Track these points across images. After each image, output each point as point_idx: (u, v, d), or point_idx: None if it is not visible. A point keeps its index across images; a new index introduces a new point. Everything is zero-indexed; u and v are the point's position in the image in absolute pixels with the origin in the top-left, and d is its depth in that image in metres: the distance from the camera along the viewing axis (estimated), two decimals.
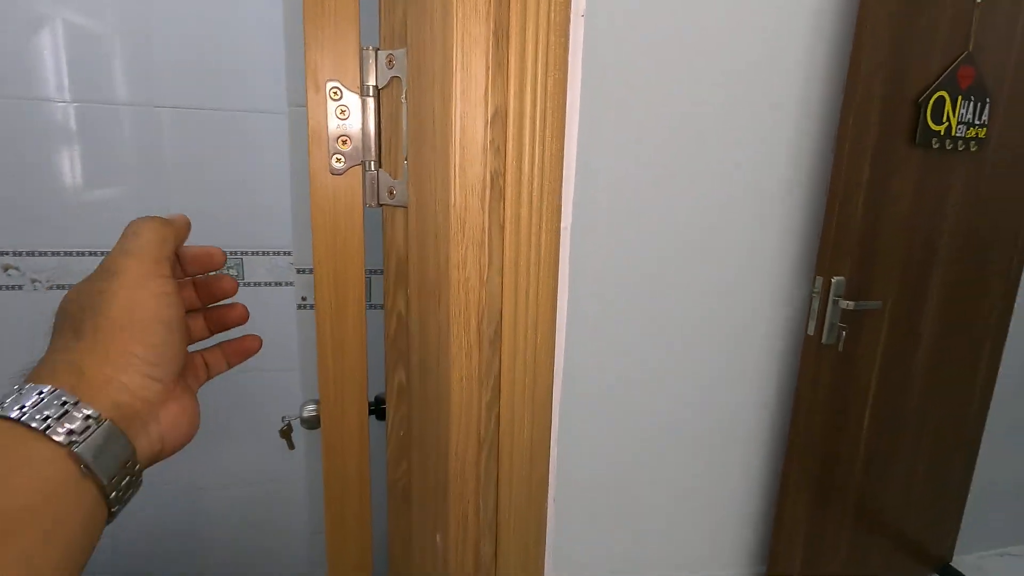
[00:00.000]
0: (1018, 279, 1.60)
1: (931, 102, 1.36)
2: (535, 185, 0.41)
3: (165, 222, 0.37)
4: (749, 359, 1.59)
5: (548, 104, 0.41)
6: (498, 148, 0.39)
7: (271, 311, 1.78)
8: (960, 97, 1.38)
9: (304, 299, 1.74)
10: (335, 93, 0.45)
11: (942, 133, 1.39)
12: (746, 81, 1.42)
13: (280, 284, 1.79)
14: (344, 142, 0.46)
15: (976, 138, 1.42)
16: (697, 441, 1.60)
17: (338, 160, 0.46)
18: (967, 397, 1.64)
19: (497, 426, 0.45)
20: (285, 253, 1.77)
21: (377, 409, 0.63)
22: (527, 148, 0.41)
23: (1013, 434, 1.77)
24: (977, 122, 1.41)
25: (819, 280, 1.44)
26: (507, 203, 0.41)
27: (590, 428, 1.58)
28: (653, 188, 1.42)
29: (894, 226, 1.43)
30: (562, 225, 0.44)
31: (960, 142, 1.41)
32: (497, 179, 0.40)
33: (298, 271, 1.75)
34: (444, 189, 0.40)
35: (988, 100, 1.40)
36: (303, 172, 1.37)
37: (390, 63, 0.44)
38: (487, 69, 0.38)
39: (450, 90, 0.38)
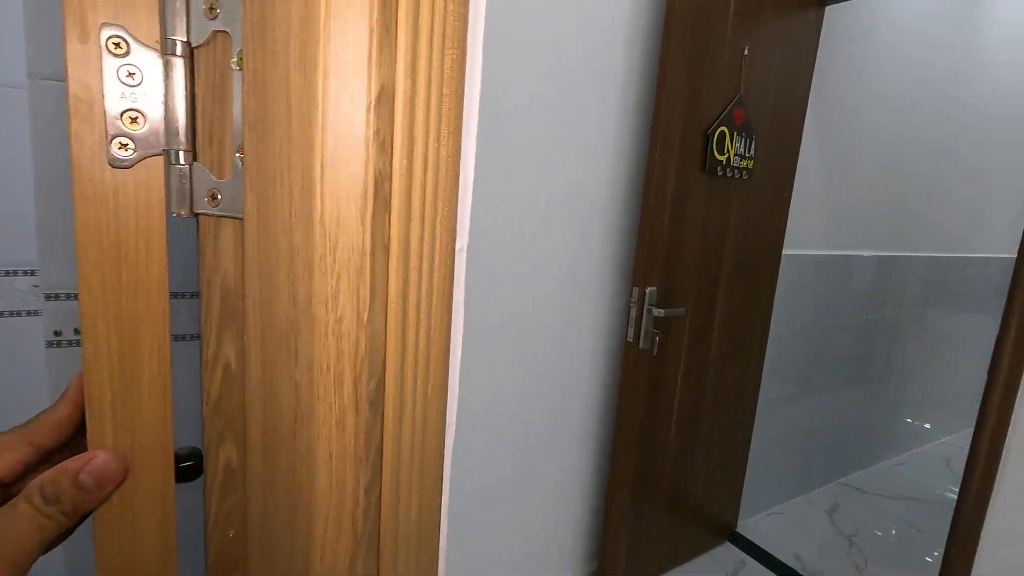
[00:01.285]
0: (775, 284, 1.92)
1: (716, 135, 1.56)
2: (429, 192, 0.31)
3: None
4: (582, 364, 1.64)
5: (445, 88, 0.31)
6: (384, 141, 0.28)
7: (5, 349, 1.32)
8: (735, 133, 1.61)
9: (58, 333, 1.33)
10: (117, 45, 0.29)
11: (724, 162, 1.60)
12: (573, 115, 1.48)
13: (19, 314, 1.35)
14: (133, 120, 0.30)
15: (747, 168, 1.66)
16: (546, 454, 1.61)
17: (123, 146, 0.30)
18: (743, 387, 1.92)
19: (378, 514, 0.33)
20: (27, 273, 1.34)
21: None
22: (420, 143, 0.30)
23: (770, 414, 2.13)
24: (747, 155, 1.66)
25: (636, 291, 1.55)
26: (394, 216, 0.30)
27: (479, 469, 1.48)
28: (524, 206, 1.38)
29: (692, 241, 1.60)
30: (458, 245, 0.34)
31: (736, 170, 1.64)
32: (383, 183, 0.29)
33: (47, 296, 1.33)
34: (306, 196, 0.28)
35: (754, 137, 1.66)
36: (58, 163, 1.03)
37: (212, 10, 0.30)
38: (371, 31, 0.27)
39: (316, 55, 0.26)
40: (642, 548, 1.75)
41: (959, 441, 2.98)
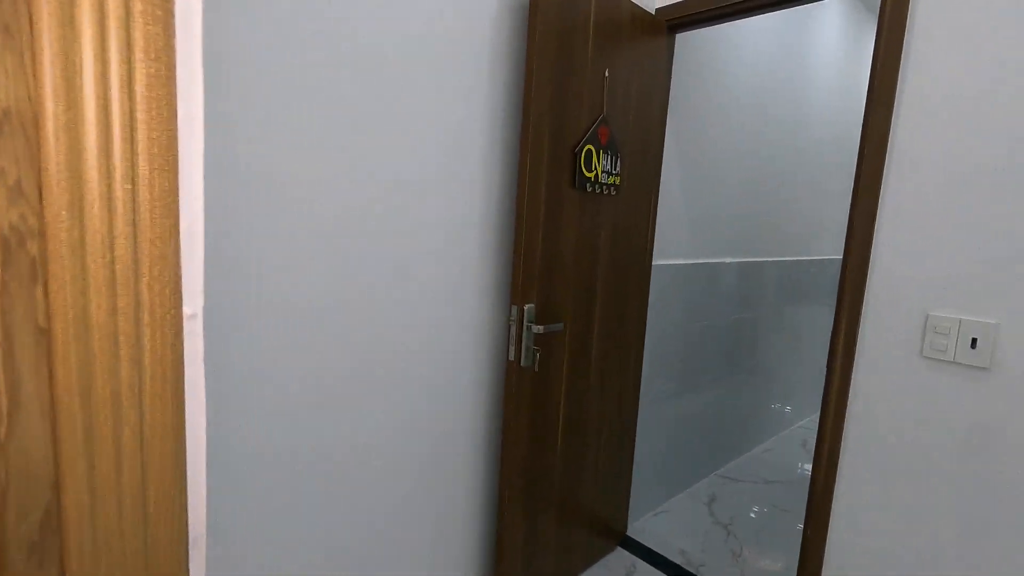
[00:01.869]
0: (647, 294, 2.00)
1: (583, 153, 1.59)
2: (123, 248, 0.23)
3: None
4: (465, 389, 1.58)
5: (143, 112, 0.23)
6: (17, 186, 0.20)
7: None
8: (602, 151, 1.65)
9: None
10: None
11: (593, 179, 1.63)
12: (448, 143, 1.42)
13: None
14: None
15: (614, 184, 1.71)
16: (423, 471, 1.52)
17: None
18: (625, 393, 1.97)
19: None
20: None
21: None
22: (98, 185, 0.22)
23: (652, 417, 2.20)
24: (614, 171, 1.70)
25: (515, 308, 1.52)
26: (55, 286, 0.22)
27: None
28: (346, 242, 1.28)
29: (567, 257, 1.61)
30: (187, 311, 0.26)
31: (604, 187, 1.68)
32: (24, 241, 0.21)
33: None
34: None
35: (619, 154, 1.71)
36: None
37: None
38: None
39: None
40: (536, 564, 1.71)
41: (813, 424, 3.30)
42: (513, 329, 1.51)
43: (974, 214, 1.25)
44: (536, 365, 1.54)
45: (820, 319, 3.26)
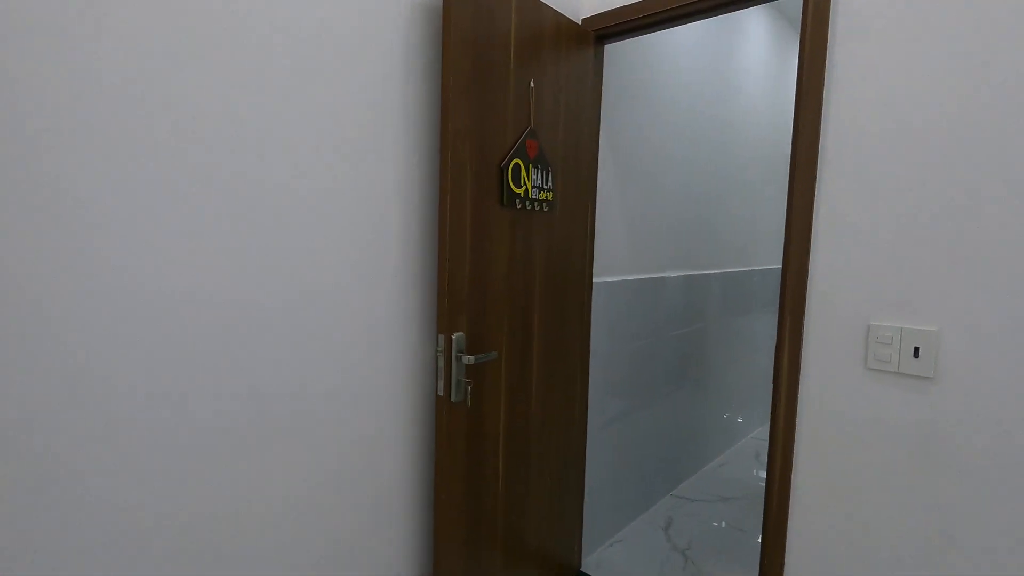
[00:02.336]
0: (589, 313, 1.90)
1: (510, 168, 1.48)
2: None
3: None
4: (391, 431, 1.41)
5: None
6: None
7: None
8: (531, 165, 1.55)
9: None
10: None
11: (522, 195, 1.53)
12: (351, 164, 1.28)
13: None
14: None
15: (546, 200, 1.61)
16: (354, 513, 1.33)
17: None
18: (571, 418, 1.85)
19: None
20: None
21: None
22: None
23: (602, 441, 2.10)
24: (546, 186, 1.60)
25: (441, 338, 1.38)
26: None
27: None
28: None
29: (498, 278, 1.49)
30: None
31: (536, 203, 1.58)
32: None
33: None
34: None
35: (550, 168, 1.62)
36: None
37: None
38: None
39: None
40: None
41: (766, 433, 3.28)
42: (441, 361, 1.37)
43: (908, 220, 1.21)
44: (468, 399, 1.40)
45: (765, 327, 3.26)
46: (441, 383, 1.38)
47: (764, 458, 2.95)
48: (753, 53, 2.88)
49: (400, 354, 1.41)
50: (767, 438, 3.17)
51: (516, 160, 1.49)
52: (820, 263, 1.33)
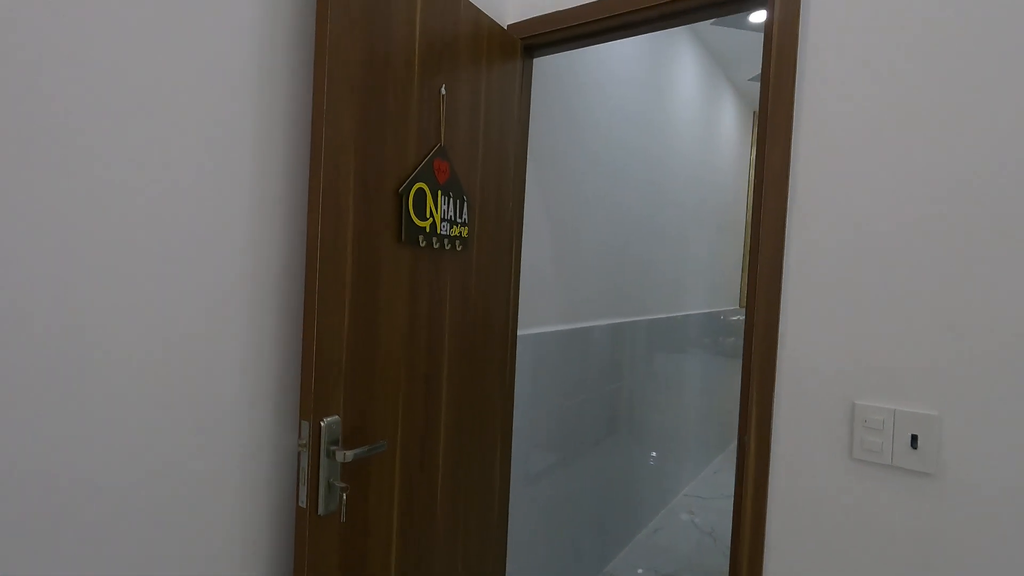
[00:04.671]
0: (512, 374, 1.55)
1: (412, 194, 1.13)
2: None
3: None
4: (232, 554, 0.94)
5: None
6: None
7: None
8: (440, 192, 1.20)
9: None
10: None
11: (427, 230, 1.17)
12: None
13: None
14: None
15: (460, 236, 1.26)
16: None
17: None
18: (487, 513, 1.47)
19: None
20: None
21: None
22: None
23: (525, 515, 1.73)
24: (459, 220, 1.26)
25: (306, 426, 0.97)
26: None
27: None
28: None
29: (392, 337, 1.11)
30: None
31: (447, 240, 1.22)
32: None
33: None
34: None
35: (465, 197, 1.28)
36: None
37: None
38: None
39: None
40: None
41: (697, 489, 3.06)
42: (304, 459, 0.96)
43: (902, 276, 0.98)
44: (343, 511, 0.99)
45: (694, 366, 3.08)
46: (304, 490, 0.96)
47: (699, 520, 2.70)
48: (682, 88, 2.76)
49: (247, 447, 0.98)
50: (699, 495, 2.94)
51: (420, 184, 1.14)
52: (791, 325, 1.07)
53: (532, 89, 1.63)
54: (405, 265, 1.12)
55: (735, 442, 3.93)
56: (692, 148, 2.90)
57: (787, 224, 1.07)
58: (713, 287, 3.33)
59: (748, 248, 3.95)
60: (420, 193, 1.13)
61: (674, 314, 2.82)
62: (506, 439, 1.53)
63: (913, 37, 0.97)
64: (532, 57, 1.53)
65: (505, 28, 1.46)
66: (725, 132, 3.35)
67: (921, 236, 0.96)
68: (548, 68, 1.71)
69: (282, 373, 1.04)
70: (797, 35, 1.06)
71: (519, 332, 1.64)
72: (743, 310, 3.93)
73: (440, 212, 1.19)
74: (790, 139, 1.06)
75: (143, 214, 0.82)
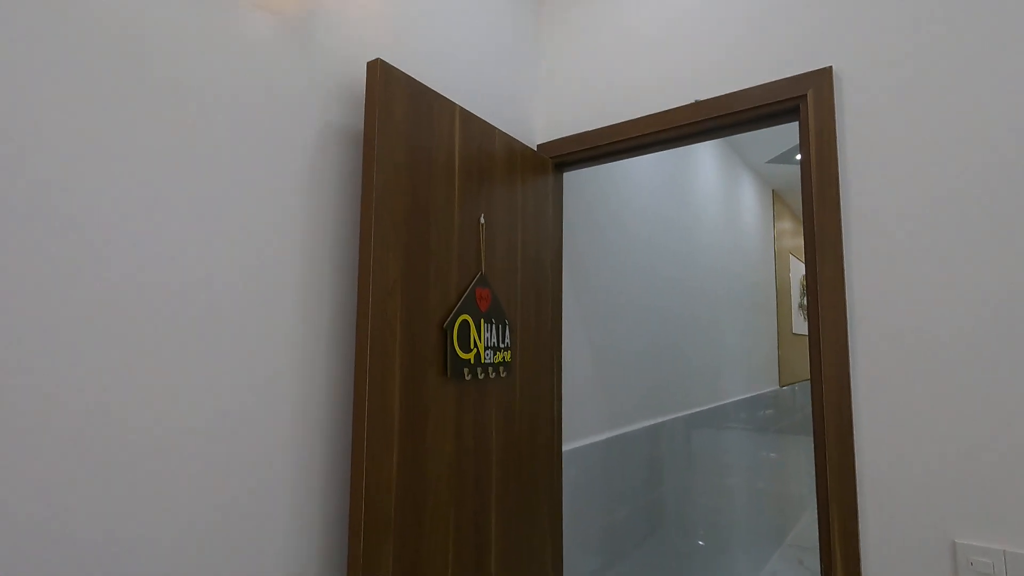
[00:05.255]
0: (560, 493, 1.46)
1: (456, 327, 1.11)
2: None
3: None
4: None
5: None
6: None
7: None
8: (483, 320, 1.18)
9: None
10: None
11: (472, 360, 1.14)
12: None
13: None
14: None
15: (504, 363, 1.23)
16: None
17: None
18: None
19: None
20: None
21: None
22: None
23: None
24: (502, 345, 1.23)
25: None
26: None
27: None
28: None
29: (440, 481, 1.05)
30: None
31: (491, 369, 1.19)
32: None
33: None
34: None
35: (507, 321, 1.26)
36: None
37: None
38: None
39: None
40: None
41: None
42: None
43: (1002, 383, 0.90)
44: None
45: (735, 451, 2.90)
46: None
47: None
48: (703, 179, 2.80)
49: None
50: None
51: (464, 316, 1.12)
52: (865, 445, 0.99)
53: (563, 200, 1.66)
54: (451, 401, 1.09)
55: (793, 532, 3.63)
56: (717, 236, 2.91)
57: (849, 329, 1.02)
58: (751, 370, 3.21)
59: (780, 327, 3.85)
60: (464, 325, 1.12)
61: (714, 404, 2.70)
62: (557, 561, 1.41)
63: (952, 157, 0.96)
64: (562, 172, 1.57)
65: (535, 148, 1.50)
66: (747, 214, 3.37)
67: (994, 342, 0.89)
68: (575, 177, 1.75)
69: (328, 526, 0.98)
70: (837, 157, 1.05)
71: (564, 447, 1.56)
72: (783, 388, 3.77)
73: (484, 340, 1.17)
74: (841, 252, 1.03)
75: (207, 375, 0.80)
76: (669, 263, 2.35)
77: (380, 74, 0.97)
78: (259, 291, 0.89)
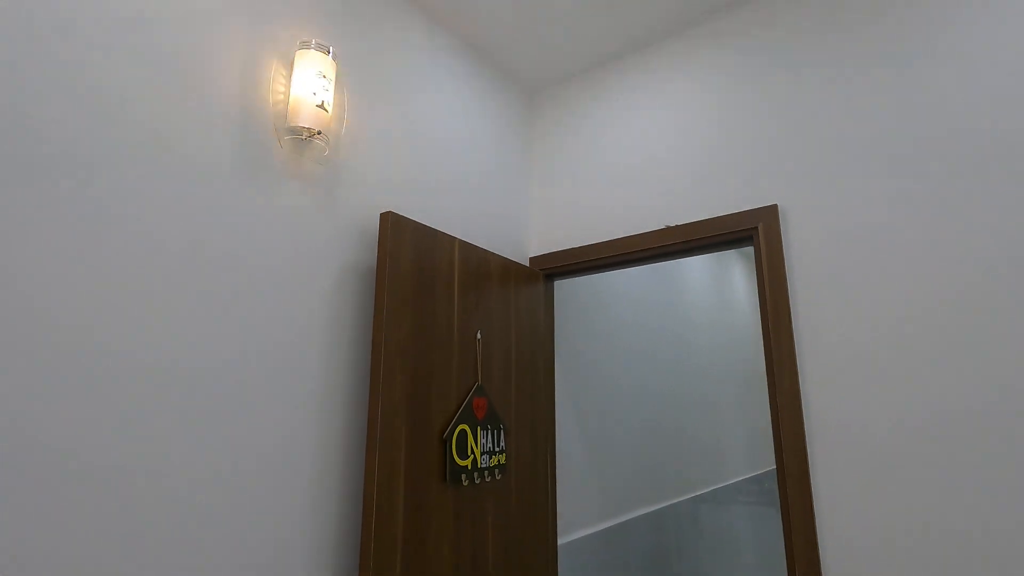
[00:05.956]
0: None
1: (455, 437, 1.24)
2: None
3: None
4: None
5: None
6: None
7: None
8: (479, 428, 1.31)
9: None
10: None
11: (469, 467, 1.26)
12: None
13: None
14: None
15: (499, 465, 1.34)
16: None
17: None
18: None
19: None
20: None
21: None
22: None
23: None
24: (498, 449, 1.35)
25: None
26: None
27: None
28: None
29: None
30: None
31: (487, 472, 1.30)
32: None
33: None
34: None
35: (502, 426, 1.38)
36: None
37: None
38: None
39: None
40: None
41: None
42: None
43: (930, 498, 1.00)
44: None
45: (744, 522, 2.89)
46: None
47: None
48: (691, 260, 2.97)
49: None
50: None
51: (462, 426, 1.25)
52: (831, 552, 1.08)
53: (555, 296, 1.82)
54: (448, 508, 1.19)
55: None
56: (708, 315, 3.05)
57: (809, 458, 1.13)
58: (752, 448, 3.25)
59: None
60: (462, 435, 1.24)
61: (717, 486, 2.74)
62: None
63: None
64: (552, 281, 1.74)
65: (528, 262, 1.68)
66: (736, 291, 3.53)
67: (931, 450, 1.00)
68: (568, 284, 1.92)
69: None
70: (786, 282, 1.21)
71: (560, 541, 1.63)
72: None
73: (480, 446, 1.29)
74: (795, 369, 1.16)
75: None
76: (663, 344, 2.47)
77: (390, 224, 1.16)
78: (281, 400, 1.02)
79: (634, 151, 1.57)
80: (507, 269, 1.50)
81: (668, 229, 1.44)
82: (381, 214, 1.17)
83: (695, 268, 3.01)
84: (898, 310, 1.09)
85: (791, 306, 1.21)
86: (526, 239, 1.73)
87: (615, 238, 1.54)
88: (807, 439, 1.14)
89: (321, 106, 1.09)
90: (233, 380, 0.96)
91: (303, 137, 1.12)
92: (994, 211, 1.03)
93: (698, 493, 2.55)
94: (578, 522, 1.74)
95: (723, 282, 3.36)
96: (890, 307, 1.10)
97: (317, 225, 1.14)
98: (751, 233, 1.31)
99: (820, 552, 1.09)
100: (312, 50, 1.10)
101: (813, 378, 1.16)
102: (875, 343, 1.11)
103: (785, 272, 1.23)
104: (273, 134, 1.09)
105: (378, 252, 1.15)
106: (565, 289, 1.90)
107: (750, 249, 3.70)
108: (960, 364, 1.02)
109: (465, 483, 1.23)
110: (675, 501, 2.34)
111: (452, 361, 1.27)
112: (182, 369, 0.90)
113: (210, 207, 0.97)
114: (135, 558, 0.81)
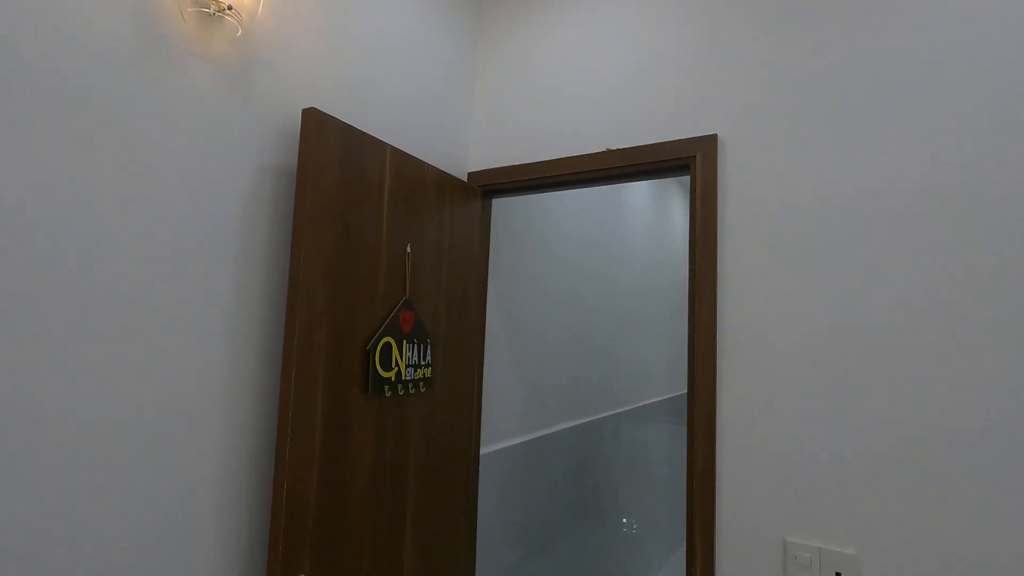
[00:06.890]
0: (475, 494, 1.61)
1: (379, 349, 1.23)
2: None
3: None
4: None
5: None
6: None
7: None
8: (405, 341, 1.31)
9: None
10: None
11: (392, 379, 1.27)
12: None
13: None
14: None
15: (424, 378, 1.36)
16: None
17: None
18: None
19: None
20: None
21: None
22: None
23: None
24: (423, 363, 1.36)
25: None
26: None
27: None
28: None
29: (359, 487, 1.18)
30: None
31: (411, 385, 1.32)
32: None
33: None
34: None
35: (429, 340, 1.39)
36: None
37: None
38: None
39: None
40: None
41: (674, 566, 3.08)
42: None
43: (818, 421, 1.11)
44: None
45: (658, 445, 3.16)
46: None
47: None
48: (637, 195, 3.00)
49: None
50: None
51: (387, 339, 1.24)
52: (727, 462, 1.19)
53: (494, 210, 1.79)
54: (371, 417, 1.21)
55: None
56: (646, 238, 3.12)
57: (718, 375, 1.21)
58: (672, 372, 3.47)
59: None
60: (386, 347, 1.24)
61: (639, 404, 2.93)
62: (469, 558, 1.57)
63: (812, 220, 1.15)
64: (491, 199, 1.70)
65: (466, 177, 1.63)
66: (675, 221, 3.62)
67: (831, 392, 1.10)
68: (509, 202, 1.88)
69: (252, 529, 1.08)
70: (716, 217, 1.24)
71: (482, 451, 1.71)
72: None
73: (405, 359, 1.29)
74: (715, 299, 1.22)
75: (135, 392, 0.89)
76: (600, 261, 2.53)
77: (313, 122, 1.07)
78: (192, 309, 0.98)
79: (582, 73, 1.50)
80: (443, 183, 1.44)
81: (610, 152, 1.42)
82: (304, 110, 1.07)
83: (638, 193, 3.04)
84: (808, 241, 1.14)
85: (718, 234, 1.24)
86: (465, 154, 1.66)
87: (557, 158, 1.50)
88: (717, 362, 1.21)
89: None
90: (131, 291, 0.89)
91: (211, 12, 0.99)
92: (948, 150, 1.07)
93: (622, 410, 2.72)
94: (504, 433, 1.83)
95: (664, 209, 3.42)
96: (802, 239, 1.15)
97: (230, 116, 1.04)
98: (689, 162, 1.31)
99: (717, 464, 1.19)
100: None
101: (729, 305, 1.22)
102: (787, 269, 1.16)
103: (717, 200, 1.25)
104: (174, 4, 0.95)
105: (299, 152, 1.07)
106: (506, 202, 1.87)
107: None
108: (861, 288, 1.09)
109: (388, 394, 1.24)
110: (600, 416, 2.50)
111: (379, 274, 1.23)
112: (73, 277, 0.82)
113: (99, 86, 0.85)
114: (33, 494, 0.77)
